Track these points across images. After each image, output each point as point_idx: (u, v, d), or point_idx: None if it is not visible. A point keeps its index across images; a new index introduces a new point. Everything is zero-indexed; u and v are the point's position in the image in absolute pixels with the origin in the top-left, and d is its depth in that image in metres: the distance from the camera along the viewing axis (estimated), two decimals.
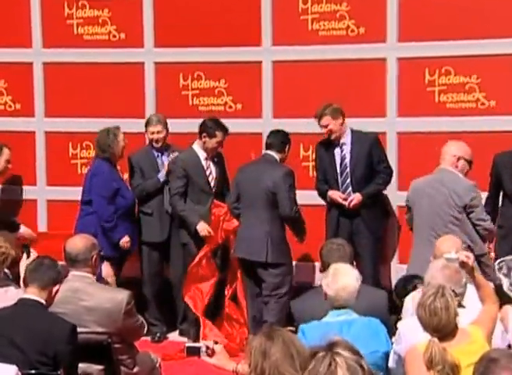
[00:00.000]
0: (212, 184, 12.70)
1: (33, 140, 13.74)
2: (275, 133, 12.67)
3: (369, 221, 12.43)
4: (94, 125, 13.31)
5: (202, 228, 12.36)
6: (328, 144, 12.51)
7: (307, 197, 12.58)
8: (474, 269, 7.77)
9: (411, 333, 7.41)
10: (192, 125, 13.08)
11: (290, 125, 13.01)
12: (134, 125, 13.40)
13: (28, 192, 13.82)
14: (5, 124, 13.73)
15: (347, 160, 12.47)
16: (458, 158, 10.94)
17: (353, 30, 12.90)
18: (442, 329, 6.84)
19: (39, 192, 13.79)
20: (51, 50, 13.74)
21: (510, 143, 11.83)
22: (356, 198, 12.23)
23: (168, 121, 13.28)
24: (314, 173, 13.24)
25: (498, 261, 9.83)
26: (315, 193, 12.74)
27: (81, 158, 13.71)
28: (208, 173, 12.66)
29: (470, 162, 10.96)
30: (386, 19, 12.72)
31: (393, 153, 12.76)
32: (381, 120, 12.84)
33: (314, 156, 12.97)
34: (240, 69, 13.42)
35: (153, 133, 12.94)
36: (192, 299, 12.46)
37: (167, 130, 13.05)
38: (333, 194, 12.36)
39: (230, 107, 13.50)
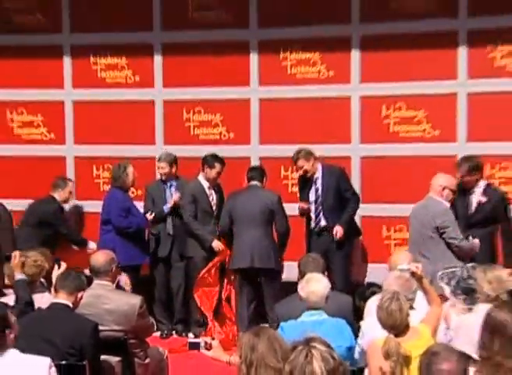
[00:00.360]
0: (214, 208, 12.68)
1: (64, 163, 13.67)
2: (255, 168, 12.73)
3: (340, 241, 12.17)
4: (114, 151, 13.49)
5: (216, 245, 12.37)
6: (305, 178, 12.38)
7: (287, 208, 12.28)
8: (422, 277, 7.89)
9: (372, 331, 7.43)
10: (194, 151, 13.22)
11: (273, 150, 13.15)
12: (146, 150, 13.47)
13: None
14: (41, 151, 13.68)
15: (319, 191, 12.31)
16: (444, 188, 10.96)
17: (323, 74, 12.87)
18: (397, 327, 6.95)
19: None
20: (79, 90, 13.68)
21: (450, 166, 11.75)
22: (339, 231, 12.07)
23: (174, 148, 13.29)
24: (292, 189, 13.24)
25: (439, 273, 9.62)
26: (292, 205, 12.52)
27: (103, 178, 13.61)
28: (210, 199, 12.67)
29: (454, 191, 11.03)
30: (351, 64, 12.76)
31: (357, 173, 12.75)
32: (347, 146, 12.82)
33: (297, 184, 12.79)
34: (233, 105, 13.32)
35: (158, 168, 12.96)
36: (200, 298, 12.39)
37: (171, 166, 12.90)
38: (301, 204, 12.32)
39: (224, 136, 13.43)
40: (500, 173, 12.19)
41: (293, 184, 13.18)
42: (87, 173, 13.64)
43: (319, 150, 12.51)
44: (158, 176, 13.04)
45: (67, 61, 13.78)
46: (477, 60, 12.38)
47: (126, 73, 13.56)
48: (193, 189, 12.64)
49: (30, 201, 12.89)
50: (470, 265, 9.31)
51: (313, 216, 12.43)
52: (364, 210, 12.63)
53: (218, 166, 12.53)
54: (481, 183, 11.45)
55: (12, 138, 14.13)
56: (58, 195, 12.64)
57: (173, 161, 12.89)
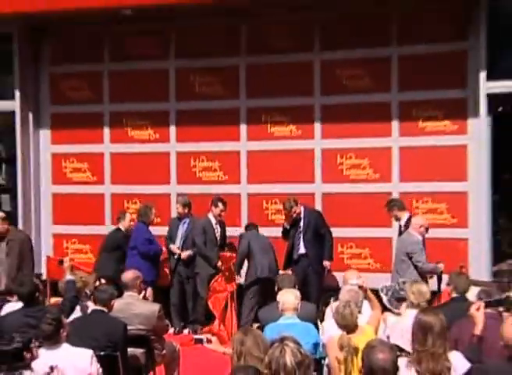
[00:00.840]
0: (218, 239, 12.50)
1: (103, 199, 13.63)
2: (251, 224, 12.66)
3: (315, 265, 11.91)
4: (141, 189, 13.32)
5: (219, 264, 12.18)
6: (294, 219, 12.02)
7: (267, 231, 12.41)
8: (367, 290, 8.02)
9: (330, 329, 7.58)
10: (199, 189, 13.10)
11: (258, 188, 12.99)
12: (164, 189, 13.33)
13: (100, 229, 13.51)
14: (86, 189, 13.60)
15: (301, 228, 12.08)
16: (420, 226, 10.85)
17: (294, 132, 12.78)
18: (349, 327, 7.08)
19: (106, 231, 13.32)
20: (114, 145, 13.60)
21: (386, 200, 11.76)
22: (327, 265, 11.97)
23: (183, 187, 13.27)
24: (271, 217, 13.07)
25: (380, 286, 9.92)
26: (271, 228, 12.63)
27: (132, 209, 13.40)
28: (216, 232, 12.49)
29: (427, 229, 10.88)
30: (314, 124, 12.70)
31: (319, 205, 12.65)
32: (312, 185, 12.72)
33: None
34: (227, 155, 13.14)
35: (177, 208, 12.72)
36: (212, 303, 12.20)
37: (184, 208, 12.64)
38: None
39: (221, 178, 13.20)
40: (423, 205, 12.17)
41: (272, 213, 13.04)
42: (120, 206, 13.50)
43: (292, 188, 12.58)
44: (175, 215, 12.89)
45: (106, 126, 13.69)
46: (405, 123, 12.31)
47: (148, 131, 13.44)
48: (204, 223, 12.44)
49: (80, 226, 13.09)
50: (402, 280, 9.67)
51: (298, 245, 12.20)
52: None
53: (220, 205, 12.38)
54: (406, 215, 11.42)
55: (65, 180, 14.01)
56: (122, 226, 12.53)
57: (187, 204, 12.69)
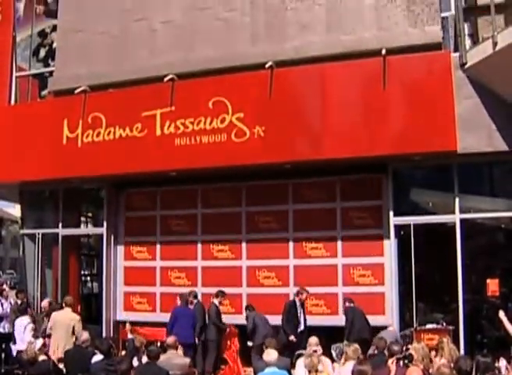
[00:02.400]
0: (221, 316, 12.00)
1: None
2: (250, 305, 12.08)
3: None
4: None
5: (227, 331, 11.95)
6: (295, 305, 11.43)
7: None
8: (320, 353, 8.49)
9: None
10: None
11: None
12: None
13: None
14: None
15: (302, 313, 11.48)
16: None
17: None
18: (313, 369, 7.58)
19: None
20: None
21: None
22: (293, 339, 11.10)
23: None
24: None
25: (332, 345, 10.12)
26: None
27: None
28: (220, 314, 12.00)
29: None
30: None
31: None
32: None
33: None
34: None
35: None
36: (228, 356, 12.03)
37: (191, 295, 12.08)
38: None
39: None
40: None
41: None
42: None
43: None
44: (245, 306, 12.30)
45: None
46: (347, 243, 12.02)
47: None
48: (211, 308, 11.89)
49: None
50: (345, 343, 9.54)
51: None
52: None
53: (221, 295, 11.95)
54: None
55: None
56: (218, 301, 11.87)
57: (194, 295, 12.17)
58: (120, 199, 13.99)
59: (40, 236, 14.40)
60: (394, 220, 11.46)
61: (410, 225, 11.33)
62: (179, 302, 12.12)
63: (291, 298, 11.85)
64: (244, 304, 12.50)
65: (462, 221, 11.07)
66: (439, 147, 10.65)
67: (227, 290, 12.31)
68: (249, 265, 12.77)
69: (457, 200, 11.16)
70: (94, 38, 13.76)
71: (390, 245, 11.55)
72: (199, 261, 13.17)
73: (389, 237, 11.57)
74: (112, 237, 13.79)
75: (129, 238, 13.87)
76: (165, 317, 12.15)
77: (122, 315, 13.72)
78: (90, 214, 15.41)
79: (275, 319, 11.64)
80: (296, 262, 12.45)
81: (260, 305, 12.08)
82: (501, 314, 8.68)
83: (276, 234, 12.60)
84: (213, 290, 12.36)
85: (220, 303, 12.02)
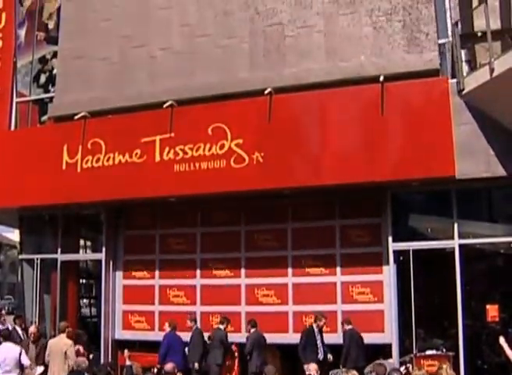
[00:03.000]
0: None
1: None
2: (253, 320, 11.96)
3: None
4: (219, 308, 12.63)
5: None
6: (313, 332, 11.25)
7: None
8: None
9: None
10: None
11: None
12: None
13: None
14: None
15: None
16: None
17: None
18: None
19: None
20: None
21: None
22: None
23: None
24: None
25: (331, 372, 10.14)
26: None
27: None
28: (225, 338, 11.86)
29: None
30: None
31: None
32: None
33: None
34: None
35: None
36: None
37: (190, 319, 12.09)
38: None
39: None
40: None
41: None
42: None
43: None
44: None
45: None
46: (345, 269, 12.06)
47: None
48: (222, 333, 11.87)
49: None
50: (344, 369, 9.57)
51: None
52: None
53: (225, 321, 11.93)
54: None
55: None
56: (223, 327, 11.82)
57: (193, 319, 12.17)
58: (119, 224, 13.97)
59: (38, 261, 14.38)
60: (393, 246, 11.47)
61: (409, 250, 11.34)
62: (167, 328, 12.11)
63: (290, 316, 11.92)
64: (244, 322, 12.48)
65: (461, 246, 11.08)
66: (437, 172, 10.74)
67: (226, 308, 12.40)
68: (248, 283, 12.77)
69: (456, 225, 11.18)
70: (94, 64, 13.87)
71: (389, 270, 11.54)
72: (198, 279, 13.16)
73: (388, 263, 11.56)
74: (111, 263, 13.75)
75: (128, 257, 13.87)
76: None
77: (120, 334, 13.66)
78: (89, 239, 15.39)
79: (273, 337, 11.78)
80: (294, 280, 12.47)
81: (259, 323, 11.99)
82: (501, 340, 8.68)
83: (275, 253, 12.62)
84: (211, 308, 12.53)
85: (225, 329, 11.98)
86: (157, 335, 12.94)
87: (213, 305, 12.74)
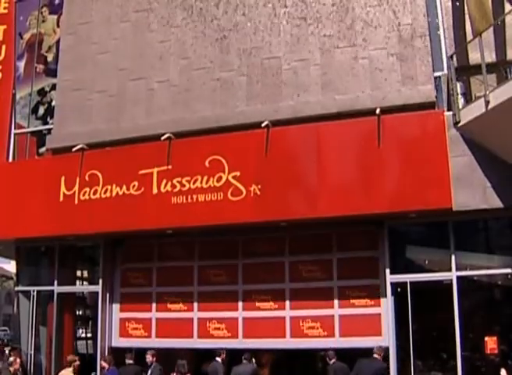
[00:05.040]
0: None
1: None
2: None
3: None
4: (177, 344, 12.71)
5: None
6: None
7: None
8: None
9: None
10: (210, 342, 12.43)
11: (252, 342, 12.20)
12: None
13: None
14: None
15: None
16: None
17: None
18: None
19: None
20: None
21: None
22: None
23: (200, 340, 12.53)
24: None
25: None
26: None
27: None
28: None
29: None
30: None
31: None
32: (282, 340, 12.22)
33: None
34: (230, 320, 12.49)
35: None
36: None
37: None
38: None
39: (225, 334, 12.52)
40: None
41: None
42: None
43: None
44: None
45: (154, 301, 13.30)
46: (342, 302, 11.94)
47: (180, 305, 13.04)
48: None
49: None
50: None
51: None
52: None
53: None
54: None
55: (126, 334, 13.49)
56: (220, 359, 11.55)
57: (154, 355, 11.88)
58: (116, 256, 13.90)
59: (35, 293, 14.32)
60: (391, 278, 11.44)
61: (406, 283, 11.31)
62: (106, 365, 11.94)
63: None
64: None
65: (459, 278, 11.05)
66: (434, 204, 10.74)
67: (224, 344, 12.20)
68: (245, 316, 12.61)
69: (453, 257, 11.16)
70: (92, 97, 13.97)
71: (387, 302, 11.48)
72: (195, 312, 13.05)
73: (385, 295, 11.51)
74: (108, 295, 13.66)
75: (125, 290, 13.80)
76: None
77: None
78: (85, 271, 15.25)
79: None
80: (292, 313, 12.33)
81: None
82: (503, 372, 8.62)
83: (274, 285, 12.52)
84: (209, 342, 12.44)
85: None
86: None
87: (211, 338, 12.65)
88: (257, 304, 12.56)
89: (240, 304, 12.72)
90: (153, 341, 13.28)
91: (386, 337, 11.47)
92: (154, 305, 13.49)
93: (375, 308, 11.76)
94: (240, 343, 12.47)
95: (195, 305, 13.13)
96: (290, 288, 12.41)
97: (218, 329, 12.80)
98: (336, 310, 12.05)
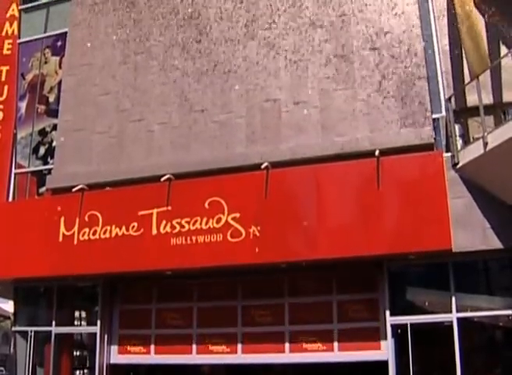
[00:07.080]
0: None
1: None
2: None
3: None
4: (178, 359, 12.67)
5: None
6: None
7: None
8: None
9: None
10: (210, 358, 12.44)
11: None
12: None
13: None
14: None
15: None
16: None
17: None
18: None
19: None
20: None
21: None
22: None
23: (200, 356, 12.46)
24: None
25: None
26: None
27: None
28: None
29: None
30: None
31: None
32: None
33: None
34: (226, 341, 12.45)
35: None
36: None
37: None
38: None
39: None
40: None
41: None
42: None
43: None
44: None
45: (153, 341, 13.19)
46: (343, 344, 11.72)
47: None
48: None
49: None
50: None
51: None
52: None
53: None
54: None
55: None
56: None
57: None
58: (115, 297, 13.80)
59: (32, 334, 14.12)
60: (391, 320, 11.32)
61: (407, 324, 11.18)
62: None
63: None
64: None
65: (459, 320, 10.94)
66: (433, 246, 10.68)
67: None
68: (245, 359, 12.50)
69: (454, 299, 11.06)
70: (92, 138, 14.05)
71: (387, 345, 11.34)
72: (194, 354, 12.90)
73: (385, 337, 11.37)
74: (106, 337, 13.51)
75: (123, 331, 13.65)
76: None
77: None
78: (84, 311, 14.90)
79: None
80: (291, 355, 12.19)
81: None
82: None
83: (272, 328, 12.38)
84: None
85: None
86: None
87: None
88: (257, 345, 12.41)
89: (240, 346, 12.58)
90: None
91: None
92: (152, 347, 13.33)
93: (375, 352, 11.61)
94: None
95: (193, 347, 12.99)
96: (290, 331, 12.28)
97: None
98: (336, 353, 11.93)
